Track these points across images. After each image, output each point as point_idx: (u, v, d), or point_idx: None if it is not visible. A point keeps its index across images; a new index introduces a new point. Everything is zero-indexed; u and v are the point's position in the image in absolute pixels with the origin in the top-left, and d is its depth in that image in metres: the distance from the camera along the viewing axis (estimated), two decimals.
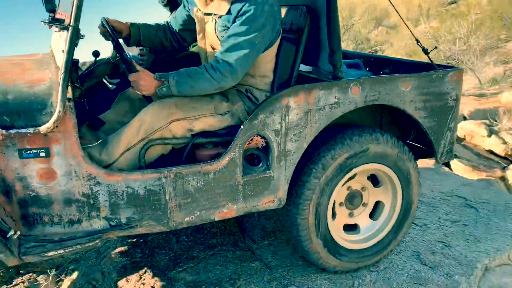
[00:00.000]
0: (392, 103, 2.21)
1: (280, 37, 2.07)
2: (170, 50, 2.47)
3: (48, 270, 2.47)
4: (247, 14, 1.88)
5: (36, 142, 1.69)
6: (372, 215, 2.49)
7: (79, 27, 1.70)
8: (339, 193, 2.35)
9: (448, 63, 8.22)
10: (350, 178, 2.33)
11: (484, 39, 8.57)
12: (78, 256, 2.69)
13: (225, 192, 1.98)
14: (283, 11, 2.33)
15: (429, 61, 2.39)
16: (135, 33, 2.25)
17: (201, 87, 1.93)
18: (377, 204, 2.50)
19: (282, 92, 1.96)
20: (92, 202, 1.80)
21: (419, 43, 2.28)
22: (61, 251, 1.73)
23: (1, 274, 2.46)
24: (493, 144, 4.94)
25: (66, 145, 1.72)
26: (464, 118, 5.73)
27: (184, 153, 1.97)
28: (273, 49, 2.05)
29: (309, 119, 2.05)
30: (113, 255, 2.69)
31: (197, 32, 2.14)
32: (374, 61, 3.06)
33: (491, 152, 4.93)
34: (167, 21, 2.39)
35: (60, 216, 1.80)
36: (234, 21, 1.91)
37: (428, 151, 2.60)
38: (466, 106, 6.01)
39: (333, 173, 2.16)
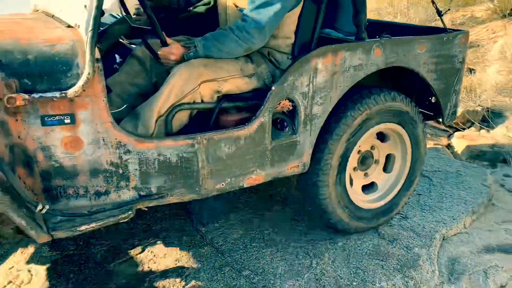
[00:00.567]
0: (408, 65, 2.23)
1: None
2: (173, 8, 2.32)
3: None
4: None
5: (61, 108, 1.54)
6: (385, 169, 2.52)
7: None
8: (353, 158, 2.36)
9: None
10: None
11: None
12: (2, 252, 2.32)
13: (254, 158, 1.92)
14: None
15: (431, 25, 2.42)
16: None
17: (228, 50, 1.85)
18: (388, 158, 2.52)
19: (311, 54, 1.91)
20: (121, 171, 1.68)
21: (434, 4, 2.30)
22: (93, 224, 1.60)
23: None
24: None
25: (93, 111, 1.57)
26: None
27: (212, 118, 1.89)
28: (298, 8, 1.98)
29: (334, 81, 2.02)
30: (42, 249, 2.36)
31: None
32: (369, 25, 3.06)
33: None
34: None
35: (86, 188, 1.67)
36: None
37: (429, 115, 2.67)
38: None
39: (354, 134, 2.16)
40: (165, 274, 2.20)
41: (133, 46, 1.82)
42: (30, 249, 2.38)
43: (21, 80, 1.47)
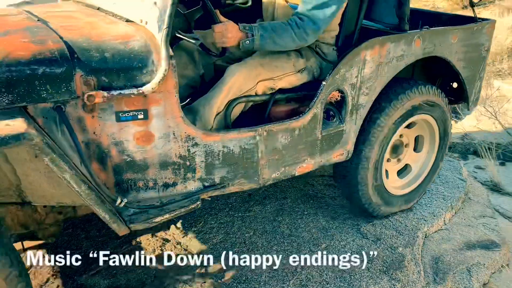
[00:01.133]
0: (443, 55, 2.32)
1: None
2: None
3: None
4: None
5: (135, 104, 1.57)
6: (415, 149, 2.62)
7: None
8: (389, 147, 2.43)
9: None
10: None
11: None
12: None
13: (306, 147, 2.00)
14: None
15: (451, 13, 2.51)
16: None
17: (282, 44, 1.89)
18: (417, 139, 2.62)
19: (361, 46, 1.98)
20: (188, 163, 1.74)
21: None
22: (166, 215, 1.66)
23: None
24: None
25: (166, 106, 1.61)
26: None
27: (267, 110, 1.95)
28: (346, 3, 2.03)
29: (379, 72, 2.10)
30: None
31: None
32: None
33: None
34: None
35: (155, 180, 1.72)
36: None
37: (450, 100, 2.78)
38: None
39: (395, 123, 2.25)
40: (142, 286, 2.07)
41: (192, 40, 1.83)
42: None
43: (99, 77, 1.49)
